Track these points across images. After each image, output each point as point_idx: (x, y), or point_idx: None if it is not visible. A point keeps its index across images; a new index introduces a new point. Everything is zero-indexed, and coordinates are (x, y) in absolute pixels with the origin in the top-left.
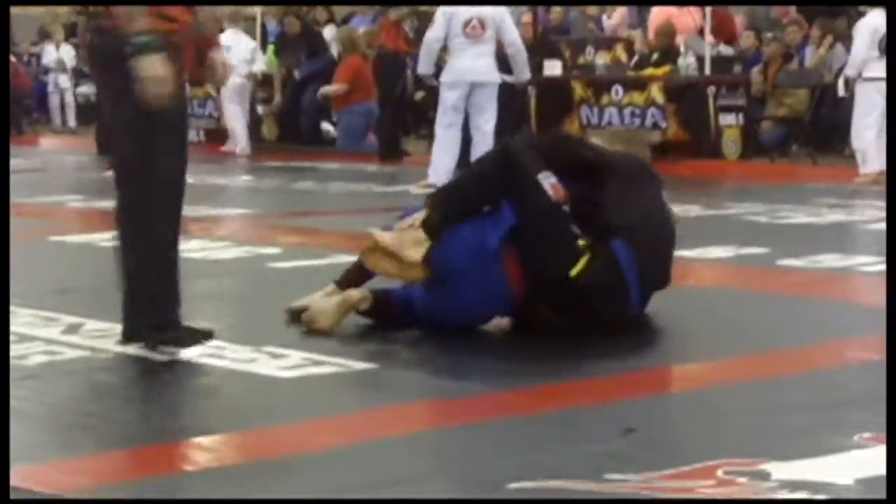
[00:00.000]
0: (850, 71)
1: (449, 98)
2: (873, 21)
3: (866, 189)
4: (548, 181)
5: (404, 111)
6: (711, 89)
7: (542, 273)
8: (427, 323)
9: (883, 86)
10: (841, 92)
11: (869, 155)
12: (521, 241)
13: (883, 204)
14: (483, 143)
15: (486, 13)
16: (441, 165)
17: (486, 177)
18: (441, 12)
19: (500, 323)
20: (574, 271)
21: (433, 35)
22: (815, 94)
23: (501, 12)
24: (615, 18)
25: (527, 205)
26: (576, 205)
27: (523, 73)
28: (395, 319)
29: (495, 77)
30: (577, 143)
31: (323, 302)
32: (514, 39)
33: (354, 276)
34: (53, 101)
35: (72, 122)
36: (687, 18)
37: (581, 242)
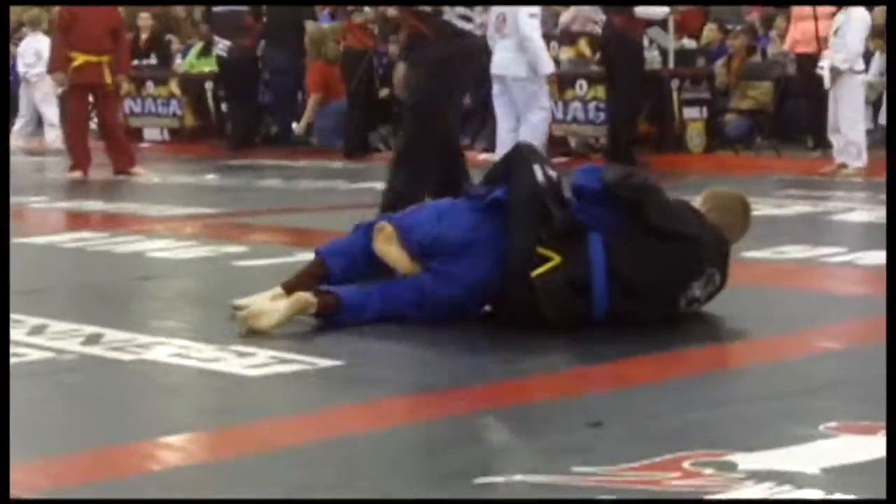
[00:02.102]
0: (843, 64)
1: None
2: (865, 16)
3: (831, 181)
4: (541, 168)
5: (373, 107)
6: (675, 82)
7: (508, 257)
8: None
9: (866, 78)
10: (827, 84)
11: (862, 148)
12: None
13: (848, 195)
14: (529, 135)
15: (508, 9)
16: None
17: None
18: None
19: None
20: (536, 272)
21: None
22: (779, 86)
23: (515, 8)
24: (566, 16)
25: (514, 183)
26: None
27: (539, 66)
28: (345, 318)
29: (517, 71)
30: (664, 203)
31: (267, 303)
32: (525, 33)
33: (305, 281)
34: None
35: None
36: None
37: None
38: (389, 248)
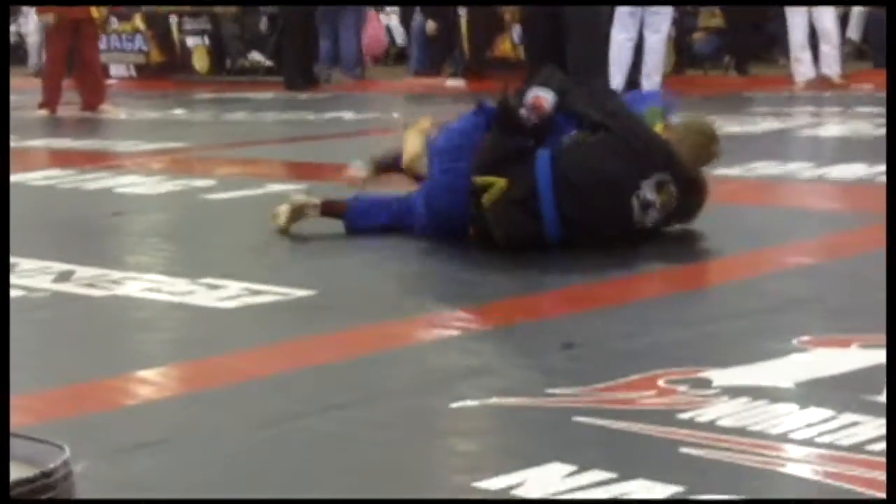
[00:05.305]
0: None
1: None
2: None
3: (796, 96)
4: (534, 92)
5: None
6: None
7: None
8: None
9: None
10: None
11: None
12: None
13: (816, 109)
14: (660, 42)
15: None
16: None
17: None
18: None
19: None
20: (485, 198)
21: None
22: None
23: None
24: None
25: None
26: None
27: None
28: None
29: None
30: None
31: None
32: None
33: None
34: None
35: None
36: None
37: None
38: (410, 134)
